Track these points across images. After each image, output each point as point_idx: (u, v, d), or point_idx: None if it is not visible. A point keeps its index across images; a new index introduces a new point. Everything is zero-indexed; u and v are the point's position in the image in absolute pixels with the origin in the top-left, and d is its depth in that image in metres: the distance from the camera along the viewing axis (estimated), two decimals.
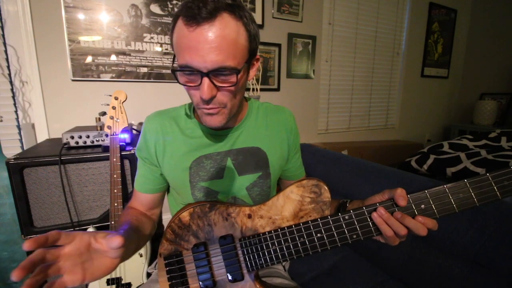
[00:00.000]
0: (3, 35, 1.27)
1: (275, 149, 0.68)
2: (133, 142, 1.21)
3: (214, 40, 0.46)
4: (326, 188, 0.50)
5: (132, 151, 1.11)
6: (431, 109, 3.18)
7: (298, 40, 2.10)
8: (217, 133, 0.64)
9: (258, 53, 0.57)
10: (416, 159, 1.90)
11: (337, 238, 0.47)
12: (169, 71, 1.63)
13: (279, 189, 0.71)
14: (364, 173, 1.08)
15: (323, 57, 2.29)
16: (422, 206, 0.43)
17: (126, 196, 1.10)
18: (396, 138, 2.93)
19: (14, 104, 1.33)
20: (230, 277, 0.52)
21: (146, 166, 0.66)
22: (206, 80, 0.48)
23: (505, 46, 2.89)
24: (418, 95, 2.98)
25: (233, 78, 0.49)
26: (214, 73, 0.48)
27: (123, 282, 1.05)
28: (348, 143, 2.44)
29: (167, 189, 0.72)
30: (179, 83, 0.53)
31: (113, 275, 1.04)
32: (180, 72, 0.51)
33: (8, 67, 1.30)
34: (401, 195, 0.44)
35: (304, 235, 0.48)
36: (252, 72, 0.58)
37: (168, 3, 1.58)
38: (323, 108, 2.39)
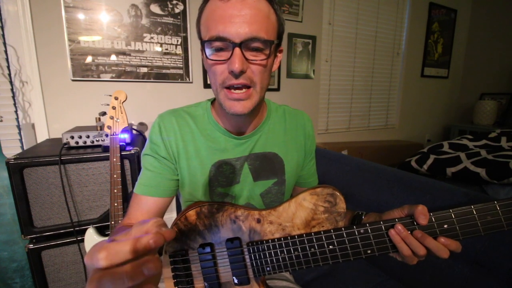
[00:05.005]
0: (3, 35, 1.27)
1: (292, 155, 0.66)
2: (133, 142, 1.21)
3: (248, 11, 0.46)
4: (342, 198, 0.48)
5: (132, 151, 1.11)
6: (431, 109, 3.18)
7: (298, 40, 2.10)
8: (237, 138, 0.61)
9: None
10: (416, 159, 1.90)
11: (350, 252, 0.44)
12: (169, 71, 1.63)
13: (290, 196, 0.70)
14: (364, 173, 1.08)
15: (323, 57, 2.28)
16: (445, 226, 0.40)
17: (126, 196, 1.10)
18: (396, 138, 2.93)
19: (14, 104, 1.33)
20: (236, 281, 0.51)
21: (163, 166, 0.60)
22: (237, 51, 0.46)
23: (505, 46, 2.89)
24: (418, 95, 2.98)
25: (266, 51, 0.49)
26: (246, 45, 0.47)
27: None
28: (348, 143, 2.43)
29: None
30: (207, 58, 0.50)
31: None
32: (208, 46, 0.49)
33: (8, 67, 1.30)
34: (422, 213, 0.40)
35: (316, 245, 0.46)
36: (276, 64, 0.57)
37: (168, 3, 1.58)
38: (323, 108, 2.39)
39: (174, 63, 1.64)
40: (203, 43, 0.50)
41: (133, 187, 0.80)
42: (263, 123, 0.63)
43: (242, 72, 0.48)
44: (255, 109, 0.54)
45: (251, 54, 0.48)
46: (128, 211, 0.61)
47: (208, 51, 0.50)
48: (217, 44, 0.48)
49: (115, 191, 0.99)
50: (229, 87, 0.51)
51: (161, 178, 0.60)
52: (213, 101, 0.65)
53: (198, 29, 0.53)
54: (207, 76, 0.55)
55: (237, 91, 0.50)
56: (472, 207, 0.39)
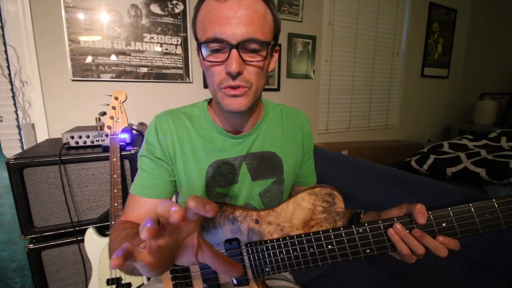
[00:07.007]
0: (3, 35, 1.27)
1: (290, 154, 0.66)
2: (133, 142, 1.21)
3: (245, 12, 0.46)
4: (340, 198, 0.48)
5: (132, 151, 1.11)
6: (431, 109, 3.18)
7: (298, 40, 2.10)
8: (234, 137, 0.61)
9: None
10: (416, 159, 1.90)
11: (349, 252, 0.44)
12: (169, 71, 1.63)
13: (289, 195, 0.70)
14: (364, 173, 1.08)
15: (323, 57, 2.28)
16: (444, 224, 0.40)
17: (126, 196, 1.10)
18: (396, 138, 2.93)
19: (14, 104, 1.33)
20: (235, 281, 0.51)
21: (159, 167, 0.60)
22: (234, 52, 0.46)
23: (505, 46, 2.89)
24: (418, 95, 2.98)
25: (263, 52, 0.49)
26: (243, 46, 0.47)
27: (123, 282, 1.05)
28: (348, 143, 2.43)
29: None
30: (204, 59, 0.50)
31: (113, 275, 1.04)
32: (205, 48, 0.49)
33: (8, 67, 1.30)
34: (420, 212, 0.40)
35: (314, 245, 0.46)
36: (272, 63, 0.57)
37: (168, 3, 1.58)
38: (323, 108, 2.38)
39: (174, 63, 1.64)
40: (199, 44, 0.50)
41: None
42: (260, 122, 0.64)
43: (239, 74, 0.48)
44: (252, 107, 0.55)
45: (248, 56, 0.49)
46: (125, 211, 0.61)
47: (204, 52, 0.50)
48: (214, 45, 0.48)
49: (115, 191, 0.99)
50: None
51: (158, 180, 0.60)
52: (210, 101, 0.65)
53: (194, 29, 0.53)
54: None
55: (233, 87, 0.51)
56: (470, 205, 0.39)
